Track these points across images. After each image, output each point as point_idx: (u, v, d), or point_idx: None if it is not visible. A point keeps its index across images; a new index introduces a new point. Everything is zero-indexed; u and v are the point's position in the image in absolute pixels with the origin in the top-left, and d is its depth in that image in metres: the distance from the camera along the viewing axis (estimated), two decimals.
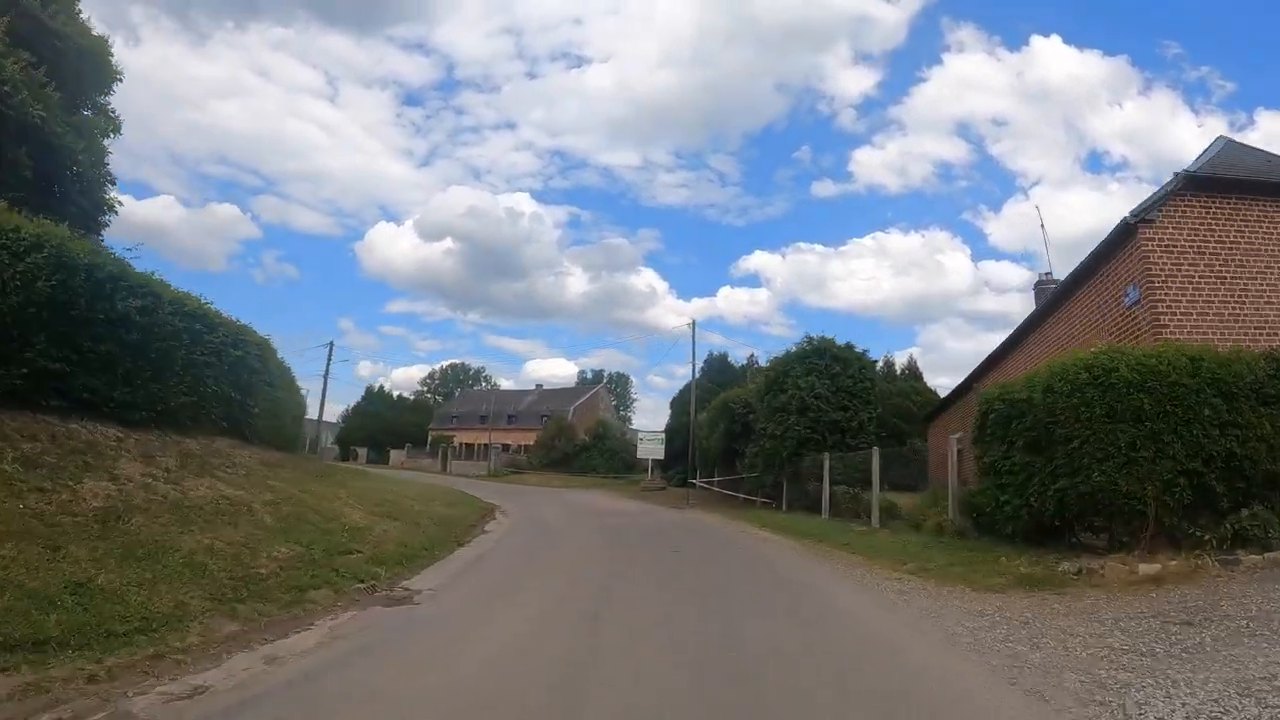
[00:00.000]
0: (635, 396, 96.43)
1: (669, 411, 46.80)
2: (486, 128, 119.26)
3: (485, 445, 57.32)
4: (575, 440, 54.82)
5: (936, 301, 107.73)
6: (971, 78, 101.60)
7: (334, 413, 78.19)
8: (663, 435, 37.39)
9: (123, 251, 11.97)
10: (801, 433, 20.96)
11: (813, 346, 22.32)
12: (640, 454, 37.75)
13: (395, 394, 76.80)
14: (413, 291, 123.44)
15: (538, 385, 72.52)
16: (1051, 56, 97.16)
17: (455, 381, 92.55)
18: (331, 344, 46.37)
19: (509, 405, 67.33)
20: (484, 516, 17.02)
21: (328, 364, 45.26)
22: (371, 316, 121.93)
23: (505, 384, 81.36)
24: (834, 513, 18.64)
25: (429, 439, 64.16)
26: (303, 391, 22.35)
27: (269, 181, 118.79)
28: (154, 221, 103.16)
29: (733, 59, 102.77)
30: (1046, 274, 22.47)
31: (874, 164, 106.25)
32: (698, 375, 42.04)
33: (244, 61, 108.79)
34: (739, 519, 18.91)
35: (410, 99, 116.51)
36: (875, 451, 16.15)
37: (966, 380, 23.14)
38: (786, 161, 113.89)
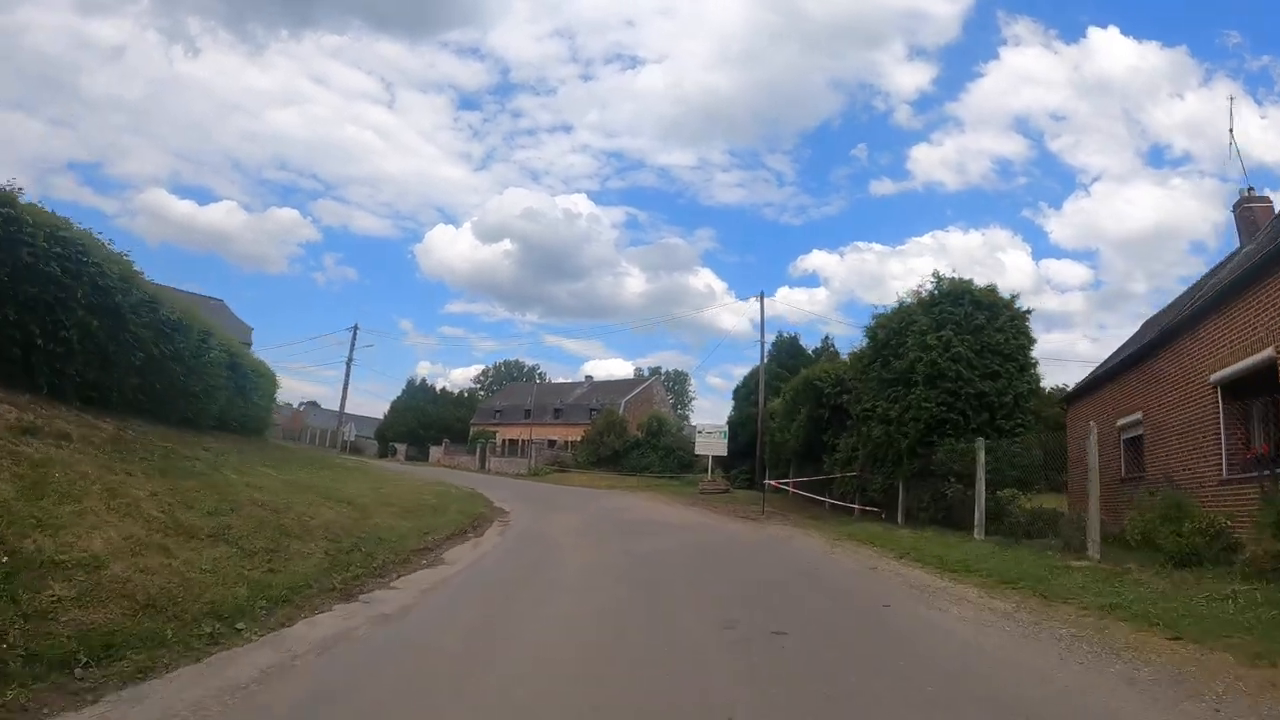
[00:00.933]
0: (693, 395, 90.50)
1: (732, 402, 40.47)
2: (542, 130, 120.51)
3: (528, 441, 52.08)
4: (626, 436, 49.06)
5: None
6: (1029, 72, 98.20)
7: (380, 409, 74.66)
8: (724, 428, 31.25)
9: None
10: (932, 411, 14.59)
11: (943, 290, 15.88)
12: (699, 450, 31.66)
13: (439, 387, 72.48)
14: (471, 292, 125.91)
15: (587, 377, 67.06)
16: (1109, 48, 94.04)
17: (509, 379, 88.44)
18: (355, 328, 41.92)
19: (556, 398, 62.03)
20: (462, 533, 11.31)
21: (351, 350, 40.75)
22: (431, 317, 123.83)
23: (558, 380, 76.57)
24: (991, 529, 12.32)
25: (470, 435, 59.35)
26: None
27: (328, 186, 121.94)
28: (216, 226, 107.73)
29: (785, 57, 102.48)
30: (1249, 189, 15.82)
31: (932, 161, 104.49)
32: (765, 360, 35.88)
33: (300, 70, 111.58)
34: (848, 539, 12.67)
35: (466, 103, 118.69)
36: (1093, 433, 9.73)
37: (1143, 348, 16.27)
38: (843, 160, 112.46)
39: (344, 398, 41.19)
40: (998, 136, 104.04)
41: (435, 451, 57.96)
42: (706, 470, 35.89)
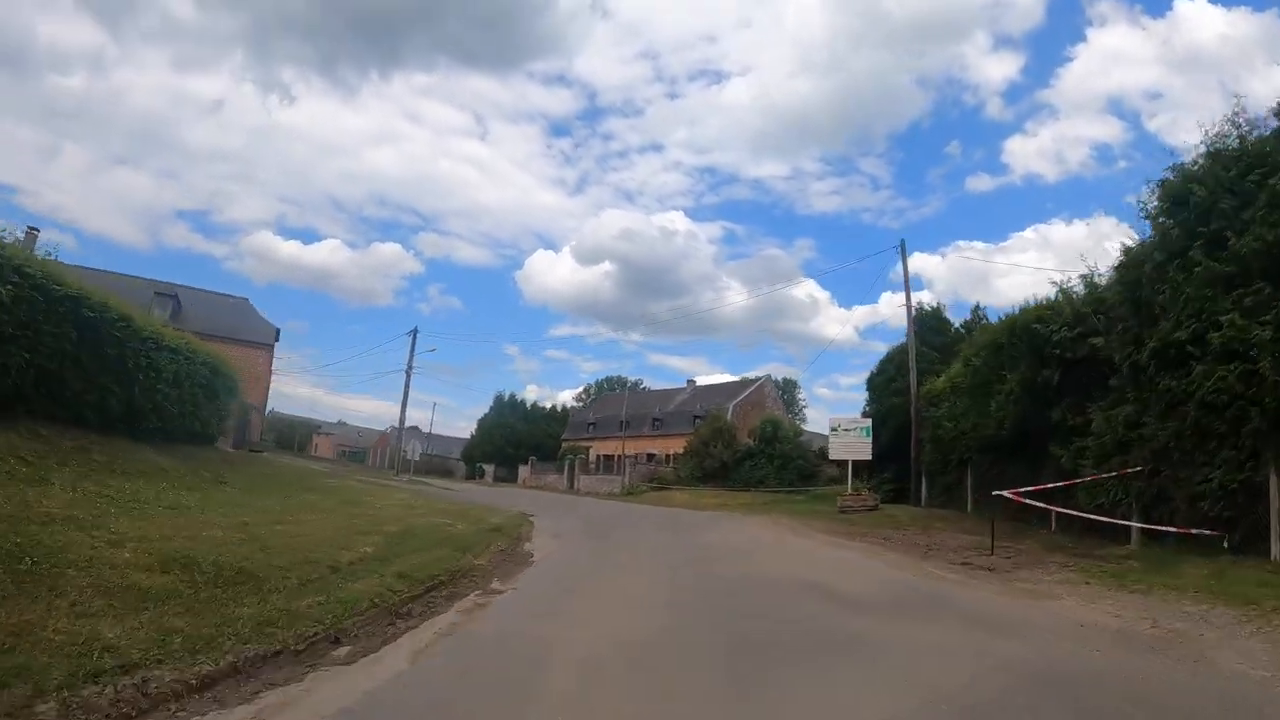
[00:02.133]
0: (803, 404, 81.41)
1: (864, 397, 32.05)
2: (634, 151, 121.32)
3: (623, 456, 45.58)
4: (736, 445, 41.73)
5: None
6: (1118, 51, 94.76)
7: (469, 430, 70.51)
8: (867, 424, 23.38)
9: None
10: None
11: None
12: (834, 454, 23.83)
13: (529, 403, 67.33)
14: (574, 315, 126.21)
15: (689, 381, 59.73)
16: (1197, 19, 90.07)
17: (610, 394, 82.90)
18: (414, 332, 36.84)
19: (655, 406, 55.15)
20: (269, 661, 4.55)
21: (410, 356, 35.70)
22: (536, 342, 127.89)
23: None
24: None
25: (560, 450, 53.54)
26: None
27: (428, 220, 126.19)
28: (322, 264, 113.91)
29: (869, 59, 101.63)
30: None
31: (1028, 152, 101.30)
32: (913, 333, 27.79)
33: (394, 109, 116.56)
34: None
35: (557, 130, 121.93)
36: None
37: None
38: (937, 158, 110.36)
39: (403, 410, 36.05)
40: (1093, 121, 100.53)
41: (524, 471, 52.59)
42: (834, 479, 28.11)
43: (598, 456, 51.10)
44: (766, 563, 10.09)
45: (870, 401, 29.76)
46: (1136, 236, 11.01)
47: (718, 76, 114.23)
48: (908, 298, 24.63)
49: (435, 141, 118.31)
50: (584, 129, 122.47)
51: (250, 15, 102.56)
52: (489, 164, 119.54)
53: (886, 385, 28.43)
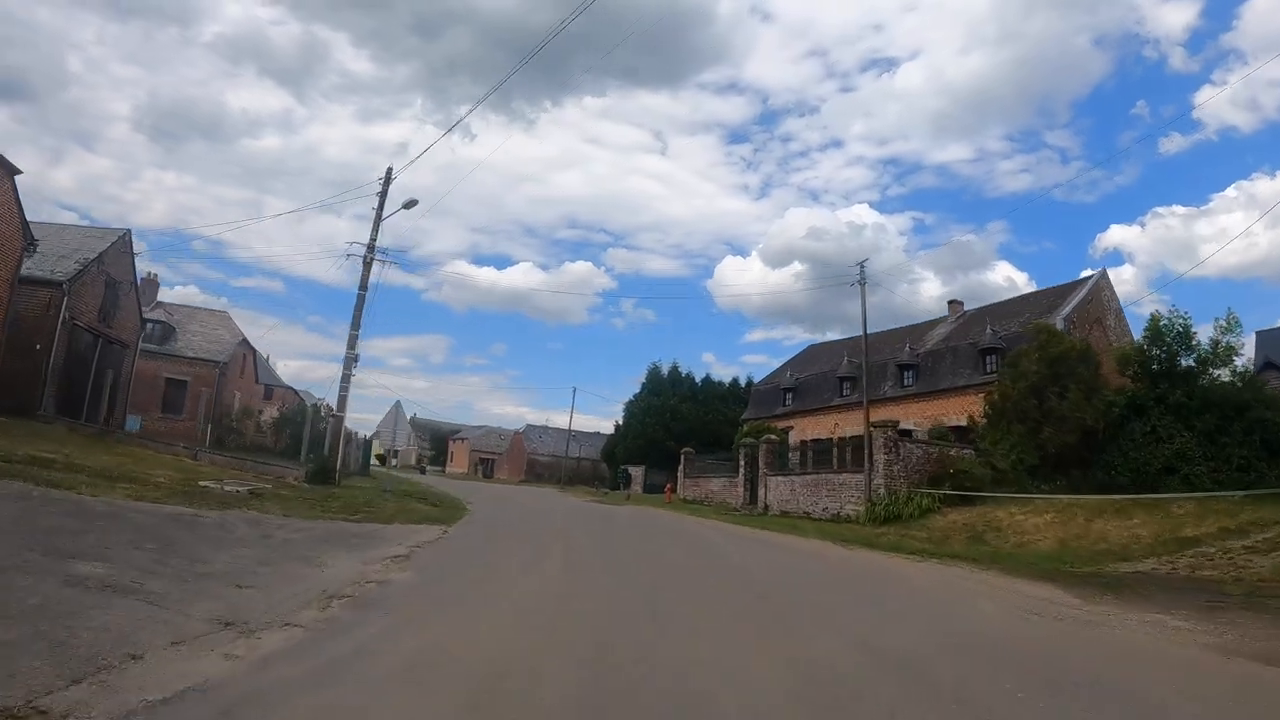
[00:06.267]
0: None
1: None
2: (814, 150, 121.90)
3: (844, 439, 23.32)
4: (1100, 391, 18.35)
5: None
6: None
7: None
8: None
9: None
10: None
11: None
12: None
13: (700, 376, 46.46)
14: (768, 320, 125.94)
15: (953, 303, 34.78)
16: None
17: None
18: (389, 171, 18.24)
19: (899, 348, 31.38)
20: None
21: (378, 214, 17.49)
22: (732, 348, 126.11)
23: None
24: None
25: (737, 437, 31.97)
26: None
27: (616, 236, 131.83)
28: (517, 287, 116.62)
29: (1040, 24, 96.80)
30: None
31: (1219, 104, 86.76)
32: None
33: (574, 134, 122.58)
34: None
35: (735, 137, 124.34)
36: None
37: None
38: (1125, 122, 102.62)
39: (351, 347, 16.89)
40: None
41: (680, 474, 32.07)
42: None
43: (800, 443, 29.03)
44: None
45: None
46: None
47: (889, 64, 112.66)
48: None
49: (617, 160, 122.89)
50: (761, 133, 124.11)
51: (422, 63, 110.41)
52: (672, 177, 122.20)
53: None
